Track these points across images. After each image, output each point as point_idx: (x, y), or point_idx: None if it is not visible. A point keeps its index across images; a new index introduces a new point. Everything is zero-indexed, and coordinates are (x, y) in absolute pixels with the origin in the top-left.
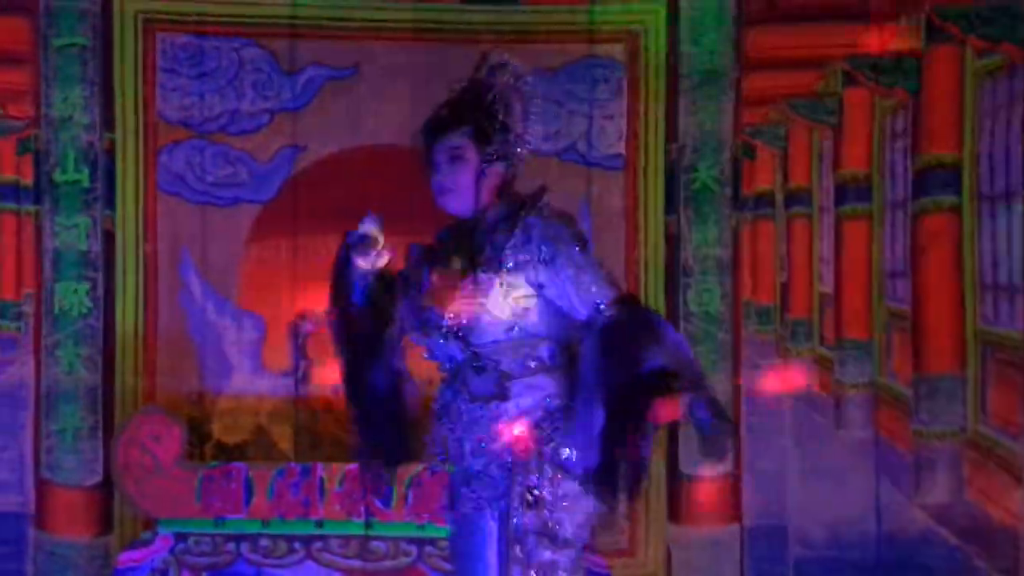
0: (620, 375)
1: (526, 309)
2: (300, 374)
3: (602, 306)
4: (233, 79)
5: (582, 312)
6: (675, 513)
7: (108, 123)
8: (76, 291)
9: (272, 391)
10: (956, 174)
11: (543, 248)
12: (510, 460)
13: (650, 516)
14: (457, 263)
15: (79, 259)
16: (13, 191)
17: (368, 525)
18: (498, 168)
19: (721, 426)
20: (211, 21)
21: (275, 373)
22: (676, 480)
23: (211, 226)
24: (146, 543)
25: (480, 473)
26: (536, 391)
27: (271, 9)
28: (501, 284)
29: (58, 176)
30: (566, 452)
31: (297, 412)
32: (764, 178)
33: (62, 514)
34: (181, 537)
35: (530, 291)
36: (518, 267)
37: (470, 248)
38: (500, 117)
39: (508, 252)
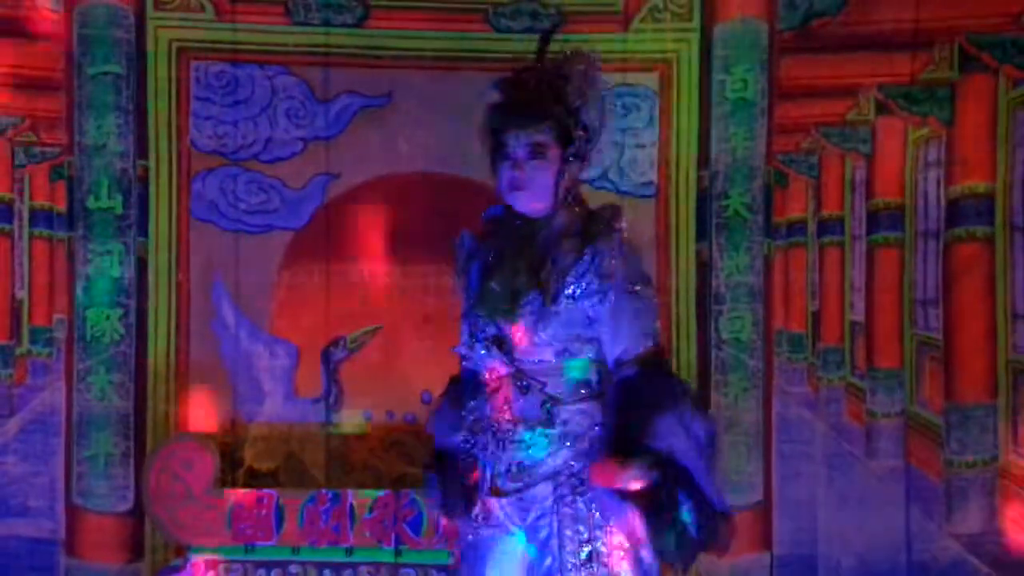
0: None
1: (579, 333)
2: (332, 401)
3: (624, 359)
4: (267, 107)
5: (609, 357)
6: None
7: (142, 150)
8: (108, 317)
9: (304, 418)
10: (989, 204)
11: (601, 280)
12: (557, 493)
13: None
14: (517, 275)
15: (112, 286)
16: (46, 217)
17: (398, 552)
18: (574, 169)
19: (708, 532)
20: (245, 49)
21: (307, 400)
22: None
23: (244, 253)
24: (177, 569)
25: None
26: (584, 417)
27: (305, 37)
28: (552, 309)
29: (91, 203)
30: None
31: (328, 439)
32: (796, 206)
33: (93, 540)
34: (211, 564)
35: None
36: (578, 295)
37: (531, 258)
38: (582, 115)
39: (571, 279)
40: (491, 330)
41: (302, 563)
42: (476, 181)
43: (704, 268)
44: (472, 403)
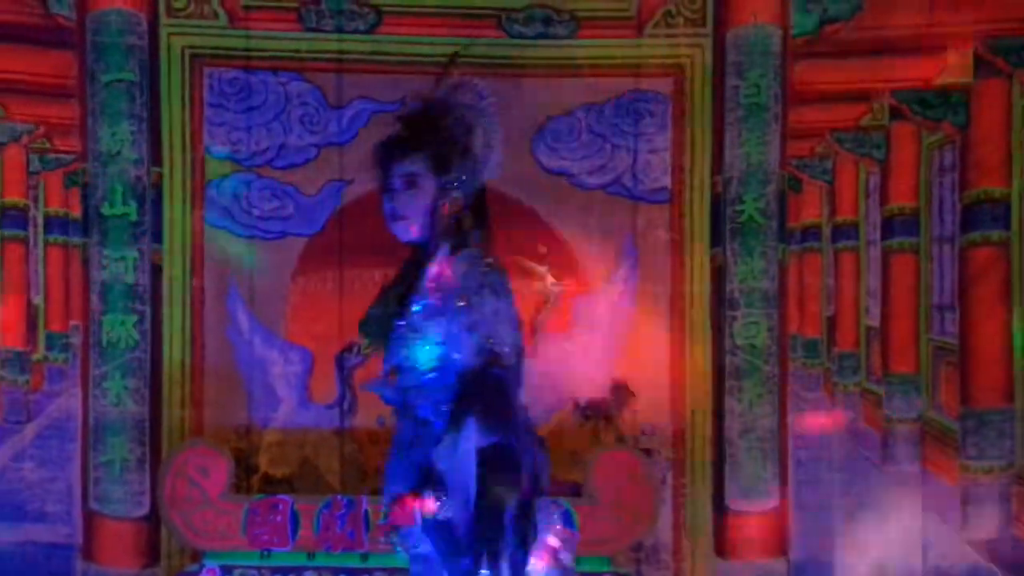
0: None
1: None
2: (346, 406)
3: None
4: (280, 113)
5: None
6: (722, 547)
7: (156, 157)
8: (124, 323)
9: (318, 423)
10: (1005, 208)
11: (453, 298)
12: None
13: (697, 550)
14: (388, 306)
15: (127, 292)
16: (61, 224)
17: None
18: (456, 196)
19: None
20: (258, 56)
21: (321, 405)
22: (722, 514)
23: (258, 259)
24: (192, 575)
25: None
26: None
27: (318, 44)
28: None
29: (106, 210)
30: None
31: (343, 444)
32: (811, 211)
33: (109, 545)
34: (227, 570)
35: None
36: (434, 311)
37: (410, 283)
38: (461, 142)
39: (417, 298)
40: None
41: (317, 569)
42: (489, 186)
43: (718, 273)
44: None
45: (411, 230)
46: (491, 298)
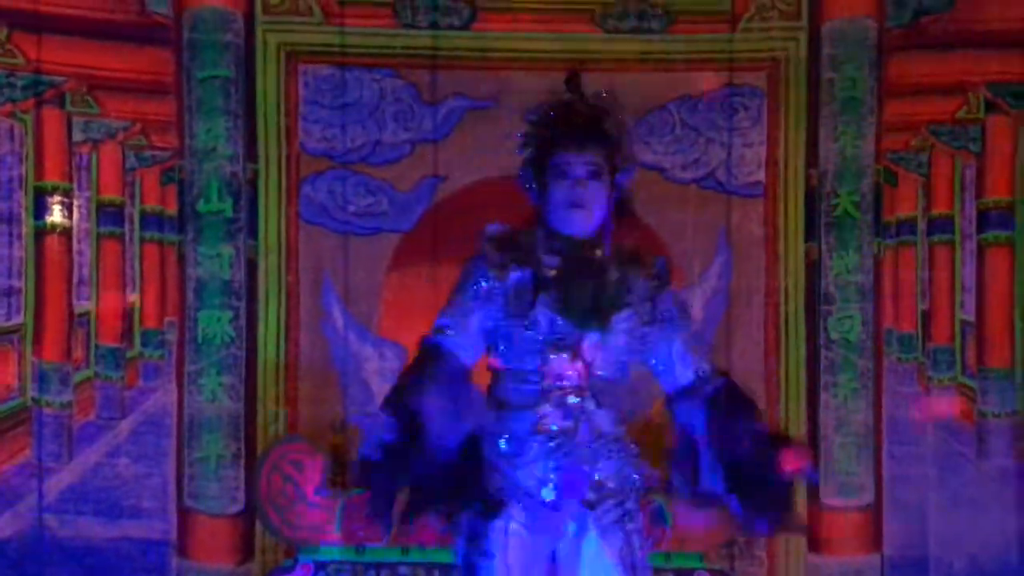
0: (735, 439)
1: (632, 356)
2: None
3: (705, 376)
4: (375, 110)
5: (683, 378)
6: (815, 543)
7: (251, 154)
8: (219, 320)
9: None
10: None
11: (673, 312)
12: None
13: (790, 546)
14: (599, 292)
15: (222, 288)
16: (157, 221)
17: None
18: (616, 194)
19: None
20: (353, 52)
21: None
22: (816, 510)
23: (353, 255)
24: (287, 570)
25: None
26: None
27: (413, 40)
28: (639, 329)
29: (202, 206)
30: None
31: None
32: (906, 205)
33: (204, 542)
34: (321, 565)
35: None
36: (657, 322)
37: (604, 278)
38: (622, 146)
39: (659, 305)
40: (572, 340)
41: (411, 564)
42: None
43: (813, 268)
44: (539, 408)
45: (588, 221)
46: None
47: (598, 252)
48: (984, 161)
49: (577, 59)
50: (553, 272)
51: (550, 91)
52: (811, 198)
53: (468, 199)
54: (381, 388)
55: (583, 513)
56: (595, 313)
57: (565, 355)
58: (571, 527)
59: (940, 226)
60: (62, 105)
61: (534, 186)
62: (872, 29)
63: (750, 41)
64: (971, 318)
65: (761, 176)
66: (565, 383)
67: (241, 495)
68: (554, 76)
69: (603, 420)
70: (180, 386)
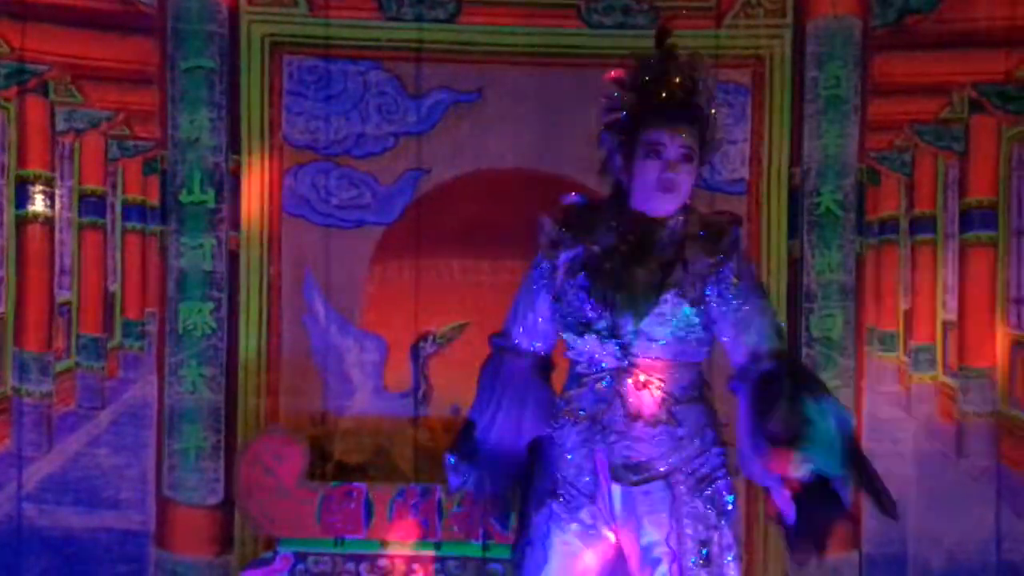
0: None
1: (692, 334)
2: (420, 395)
3: (760, 354)
4: (359, 102)
5: (739, 355)
6: None
7: (234, 145)
8: (200, 311)
9: (393, 412)
10: None
11: (732, 286)
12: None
13: (769, 543)
14: (646, 273)
15: (204, 279)
16: (139, 211)
17: (486, 547)
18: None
19: (883, 505)
20: (337, 44)
21: (396, 394)
22: None
23: (335, 248)
24: (266, 562)
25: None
26: (697, 417)
27: (397, 33)
28: (684, 309)
29: (184, 197)
30: (729, 497)
31: (417, 433)
32: (889, 204)
33: (183, 533)
34: (301, 557)
35: (702, 319)
36: (714, 299)
37: (658, 257)
38: (711, 122)
39: (711, 284)
40: (605, 322)
41: (390, 557)
42: (567, 177)
43: (795, 265)
44: (571, 392)
45: (673, 203)
46: (762, 294)
47: (665, 230)
48: (967, 161)
49: (561, 54)
50: (600, 251)
51: (635, 51)
52: (794, 196)
53: (451, 192)
54: (361, 380)
55: (630, 496)
56: (630, 296)
57: (594, 337)
58: (619, 512)
59: (923, 225)
60: (45, 94)
61: (618, 157)
62: (857, 28)
63: (735, 38)
64: (953, 317)
65: (744, 173)
66: (603, 365)
67: (221, 486)
68: (536, 70)
69: (645, 402)
70: (161, 377)
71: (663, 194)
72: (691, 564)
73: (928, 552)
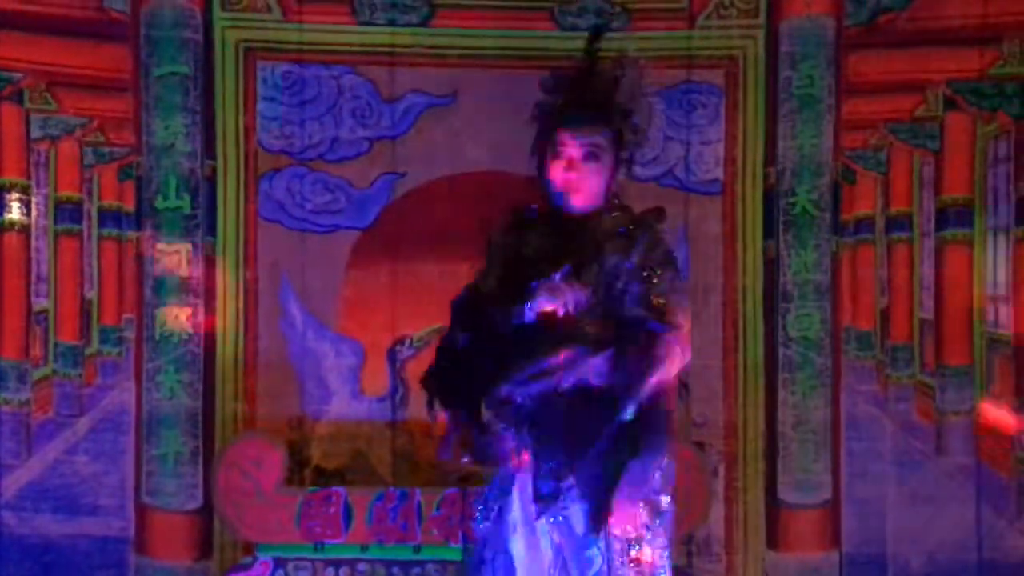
0: None
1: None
2: (398, 399)
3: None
4: (332, 107)
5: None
6: (773, 540)
7: (209, 150)
8: (177, 317)
9: (370, 416)
10: None
11: (624, 288)
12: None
13: (748, 543)
14: (564, 268)
15: (180, 285)
16: (115, 217)
17: (466, 550)
18: (621, 171)
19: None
20: (311, 49)
21: (373, 398)
22: (774, 507)
23: (311, 252)
24: (246, 567)
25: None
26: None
27: (370, 37)
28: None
29: (160, 203)
30: (663, 497)
31: (395, 437)
32: (864, 203)
33: (162, 539)
34: (280, 562)
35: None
36: (622, 294)
37: (577, 255)
38: (632, 119)
39: (619, 281)
40: (530, 316)
41: (370, 561)
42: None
43: (771, 266)
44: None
45: (582, 201)
46: (671, 271)
47: (588, 229)
48: (943, 159)
49: (535, 56)
50: (527, 250)
51: (572, 54)
52: (769, 196)
53: (426, 196)
54: (338, 385)
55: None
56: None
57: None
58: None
59: (898, 224)
60: (20, 102)
61: (536, 161)
62: (830, 27)
63: (708, 39)
64: (930, 316)
65: (719, 174)
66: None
67: (199, 492)
68: (511, 73)
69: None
70: (138, 383)
71: (565, 193)
72: (619, 564)
73: (908, 551)
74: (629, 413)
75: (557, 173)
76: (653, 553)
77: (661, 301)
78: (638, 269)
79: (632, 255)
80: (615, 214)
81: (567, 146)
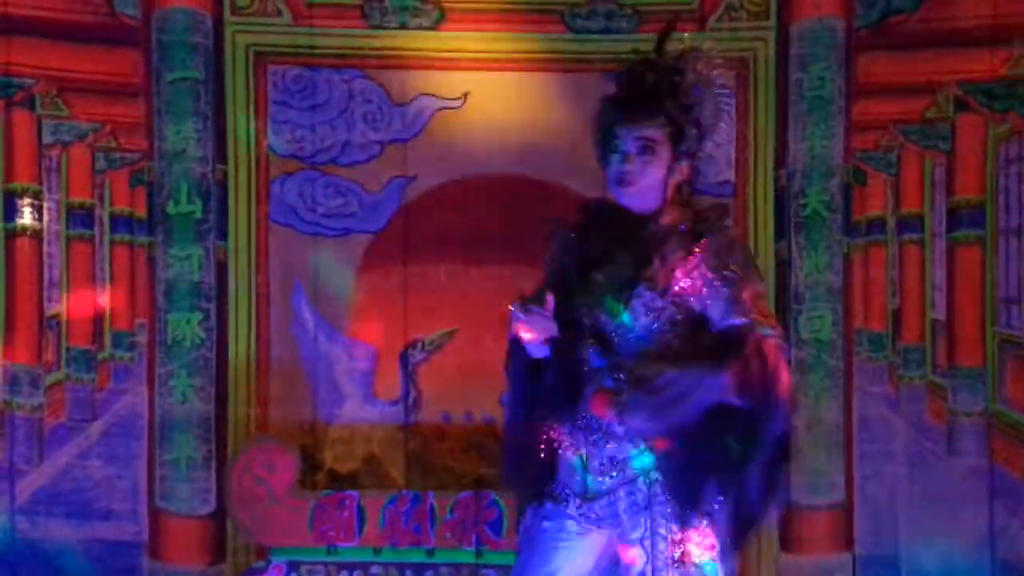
0: None
1: (673, 328)
2: (410, 402)
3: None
4: (344, 111)
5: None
6: (786, 542)
7: (220, 155)
8: (189, 321)
9: (383, 419)
10: None
11: (710, 275)
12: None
13: (761, 545)
14: (623, 269)
15: (192, 290)
16: (127, 223)
17: (479, 553)
18: (683, 166)
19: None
20: (322, 54)
21: (386, 401)
22: (787, 509)
23: (322, 256)
24: (259, 571)
25: (605, 494)
26: None
27: (381, 41)
28: (658, 303)
29: (171, 208)
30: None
31: (408, 440)
32: (875, 204)
33: (176, 543)
34: (294, 566)
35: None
36: (686, 291)
37: (637, 253)
38: (695, 113)
39: (680, 276)
40: (589, 322)
41: (383, 564)
42: (552, 183)
43: (783, 267)
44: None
45: (639, 197)
46: (752, 270)
47: (650, 226)
48: (954, 160)
49: (545, 59)
50: (591, 250)
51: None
52: (780, 198)
53: (438, 199)
54: (351, 388)
55: (614, 494)
56: (600, 294)
57: (575, 334)
58: (605, 511)
59: (910, 225)
60: (32, 107)
61: (600, 160)
62: (840, 28)
63: (719, 41)
64: (942, 317)
65: (730, 176)
66: (588, 366)
67: (212, 496)
68: (521, 76)
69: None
70: (151, 388)
71: (619, 187)
72: (662, 565)
73: (921, 553)
74: (782, 426)
75: (612, 167)
76: (699, 553)
77: (751, 304)
78: (718, 272)
79: (708, 258)
80: (676, 210)
81: (622, 139)
